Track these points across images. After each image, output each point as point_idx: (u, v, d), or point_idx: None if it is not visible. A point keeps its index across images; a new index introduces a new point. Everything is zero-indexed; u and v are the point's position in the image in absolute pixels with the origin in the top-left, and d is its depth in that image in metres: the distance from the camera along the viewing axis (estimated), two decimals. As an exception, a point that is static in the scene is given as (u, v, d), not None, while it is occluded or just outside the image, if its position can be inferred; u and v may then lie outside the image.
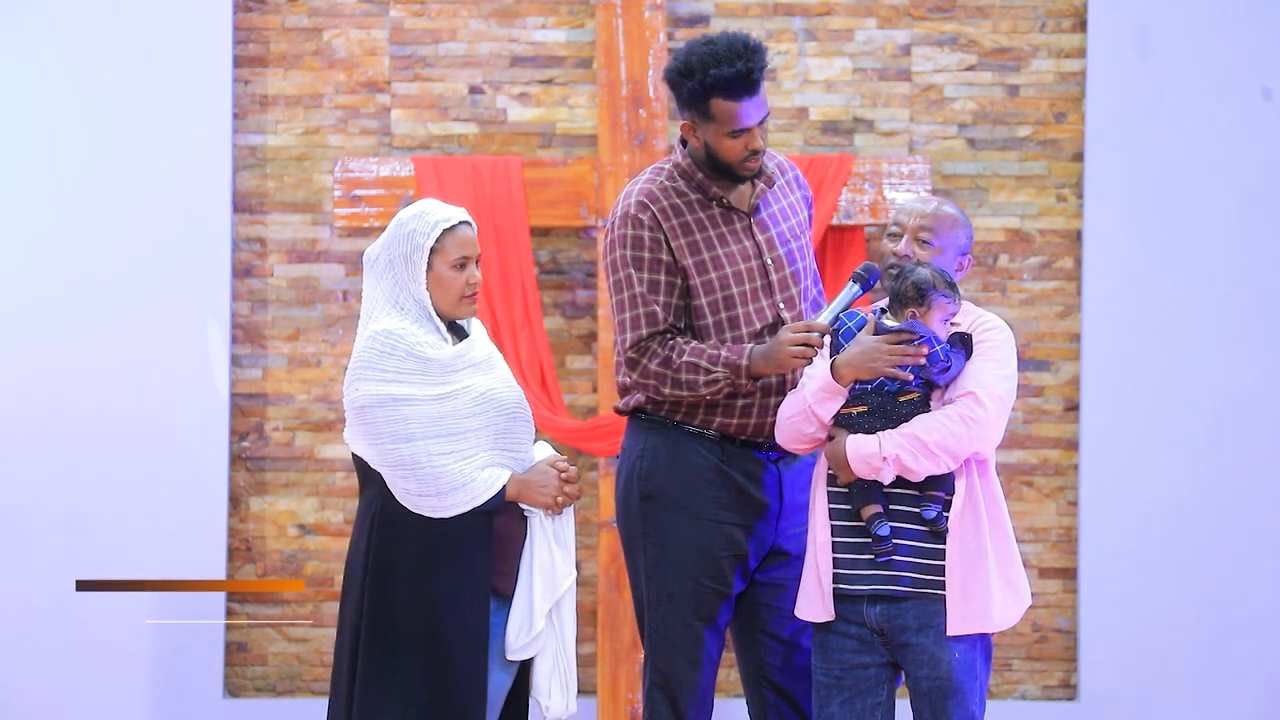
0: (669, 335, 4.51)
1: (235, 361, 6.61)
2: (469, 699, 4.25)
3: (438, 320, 4.33)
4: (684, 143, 4.58)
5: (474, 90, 6.65)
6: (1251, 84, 6.56)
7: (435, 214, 4.34)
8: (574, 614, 4.42)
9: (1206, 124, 6.55)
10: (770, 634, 4.60)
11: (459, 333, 4.43)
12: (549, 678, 4.38)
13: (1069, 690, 6.64)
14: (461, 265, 4.33)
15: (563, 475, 4.37)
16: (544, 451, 4.45)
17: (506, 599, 4.35)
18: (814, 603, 4.34)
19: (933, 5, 6.64)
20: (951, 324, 4.33)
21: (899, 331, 4.23)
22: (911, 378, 4.24)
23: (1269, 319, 6.55)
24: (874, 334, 4.26)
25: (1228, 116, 6.55)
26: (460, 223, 4.34)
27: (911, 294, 4.26)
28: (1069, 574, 6.62)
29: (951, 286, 4.29)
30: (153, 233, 6.52)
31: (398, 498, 4.27)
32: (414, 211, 4.36)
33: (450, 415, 4.27)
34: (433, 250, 4.30)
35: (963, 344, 4.27)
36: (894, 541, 4.24)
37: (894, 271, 4.33)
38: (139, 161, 6.52)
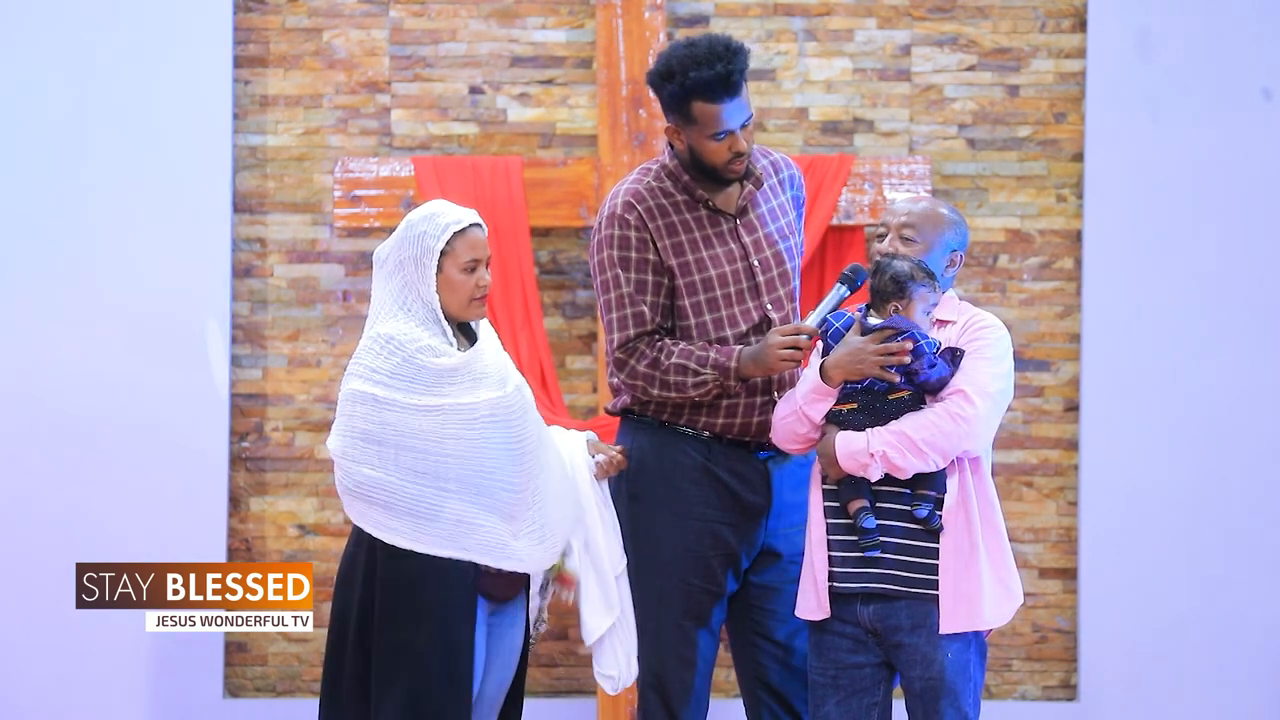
0: (657, 336, 4.50)
1: (235, 361, 6.61)
2: (450, 710, 4.21)
3: (445, 323, 4.28)
4: (671, 145, 4.58)
5: (474, 90, 6.65)
6: (1251, 84, 6.54)
7: (446, 216, 4.28)
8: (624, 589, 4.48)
9: (1206, 124, 6.53)
10: (764, 636, 4.60)
11: (467, 333, 4.40)
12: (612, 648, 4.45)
13: (1069, 690, 6.63)
14: (471, 268, 4.27)
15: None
16: (576, 441, 4.48)
17: (501, 602, 4.34)
18: (810, 600, 4.35)
19: (933, 5, 6.64)
20: (938, 321, 4.34)
21: (883, 329, 4.24)
22: (899, 378, 4.25)
23: (1269, 319, 6.53)
24: (860, 334, 4.27)
25: (1228, 116, 6.53)
26: (471, 225, 4.28)
27: (890, 288, 4.27)
28: (1069, 574, 6.61)
29: (930, 277, 4.30)
30: (153, 233, 6.53)
31: (335, 485, 4.23)
32: (425, 213, 4.30)
33: (431, 431, 4.21)
34: (443, 253, 4.25)
35: (951, 355, 4.27)
36: (882, 539, 4.24)
37: (872, 268, 4.34)
38: (139, 161, 6.53)
